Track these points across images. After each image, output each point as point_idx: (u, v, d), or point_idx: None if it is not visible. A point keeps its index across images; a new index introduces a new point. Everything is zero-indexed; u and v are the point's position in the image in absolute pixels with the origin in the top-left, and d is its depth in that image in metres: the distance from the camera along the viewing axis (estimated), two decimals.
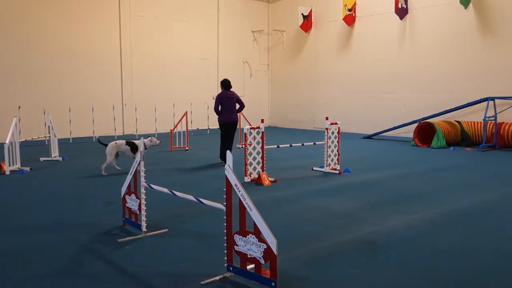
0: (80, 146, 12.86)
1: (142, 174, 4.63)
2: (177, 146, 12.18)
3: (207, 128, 15.62)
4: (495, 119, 12.43)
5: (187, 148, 12.05)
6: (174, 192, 4.29)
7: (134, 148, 8.40)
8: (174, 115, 15.11)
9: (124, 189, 4.99)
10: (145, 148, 7.91)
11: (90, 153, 11.30)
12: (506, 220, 5.35)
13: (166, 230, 4.87)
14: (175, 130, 12.30)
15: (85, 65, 15.43)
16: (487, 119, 12.21)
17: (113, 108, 15.52)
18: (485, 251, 4.26)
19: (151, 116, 15.79)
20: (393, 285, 3.51)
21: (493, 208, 5.97)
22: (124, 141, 8.51)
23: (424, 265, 3.90)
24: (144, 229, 4.71)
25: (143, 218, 4.70)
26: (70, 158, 10.41)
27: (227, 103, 9.33)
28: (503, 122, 12.48)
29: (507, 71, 13.20)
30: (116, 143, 8.47)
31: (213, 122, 16.72)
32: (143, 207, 4.68)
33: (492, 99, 12.42)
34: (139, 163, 4.66)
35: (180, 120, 12.32)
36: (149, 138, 8.47)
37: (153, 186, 4.61)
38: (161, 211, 5.58)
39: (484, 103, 12.50)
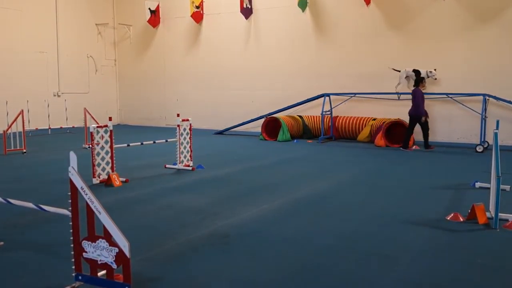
0: None
1: None
2: (12, 148, 10.96)
3: (48, 128, 14.32)
4: (331, 113, 13.79)
5: (24, 151, 10.92)
6: (10, 200, 3.86)
7: None
8: (7, 114, 13.53)
9: None
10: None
11: None
12: (341, 205, 5.98)
13: (2, 243, 4.35)
14: (9, 131, 11.04)
15: None
16: (324, 113, 13.47)
17: None
18: (325, 234, 4.70)
19: None
20: (246, 275, 3.66)
21: (332, 194, 6.62)
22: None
23: (274, 252, 4.14)
24: None
25: None
26: None
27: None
28: (337, 116, 13.96)
29: (338, 69, 14.70)
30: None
31: (54, 121, 15.50)
32: None
33: (328, 95, 13.74)
34: None
35: (15, 120, 11.09)
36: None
37: None
38: None
39: (321, 99, 13.74)
